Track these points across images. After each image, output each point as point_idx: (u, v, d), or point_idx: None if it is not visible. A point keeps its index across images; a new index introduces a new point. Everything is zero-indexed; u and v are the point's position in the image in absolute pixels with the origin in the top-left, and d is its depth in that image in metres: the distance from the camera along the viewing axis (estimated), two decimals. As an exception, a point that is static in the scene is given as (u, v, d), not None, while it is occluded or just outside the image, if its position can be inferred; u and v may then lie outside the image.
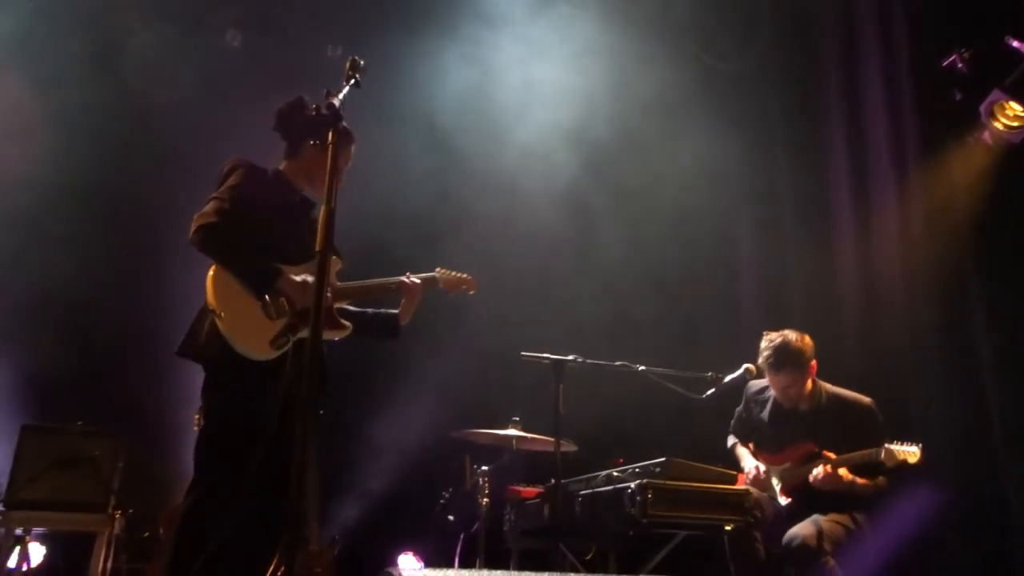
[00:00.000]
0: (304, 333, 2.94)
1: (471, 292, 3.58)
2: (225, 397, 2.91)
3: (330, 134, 2.30)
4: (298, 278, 2.97)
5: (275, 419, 2.90)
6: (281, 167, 3.23)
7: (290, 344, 2.92)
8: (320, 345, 2.15)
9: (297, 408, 2.15)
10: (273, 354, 2.87)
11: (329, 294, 3.05)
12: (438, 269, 3.51)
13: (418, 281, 3.37)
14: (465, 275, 3.57)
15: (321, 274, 2.13)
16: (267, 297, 2.91)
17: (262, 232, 2.99)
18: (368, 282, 3.29)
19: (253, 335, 2.87)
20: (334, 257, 3.13)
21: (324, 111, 2.32)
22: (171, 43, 5.87)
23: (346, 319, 3.20)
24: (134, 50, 5.81)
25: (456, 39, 6.12)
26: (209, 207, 2.94)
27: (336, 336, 3.11)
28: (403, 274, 3.40)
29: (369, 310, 3.42)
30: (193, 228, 2.91)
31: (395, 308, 3.44)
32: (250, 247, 2.96)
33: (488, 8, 6.14)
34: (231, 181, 3.01)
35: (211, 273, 2.93)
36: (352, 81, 2.48)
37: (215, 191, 3.01)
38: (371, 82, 2.57)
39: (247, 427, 2.85)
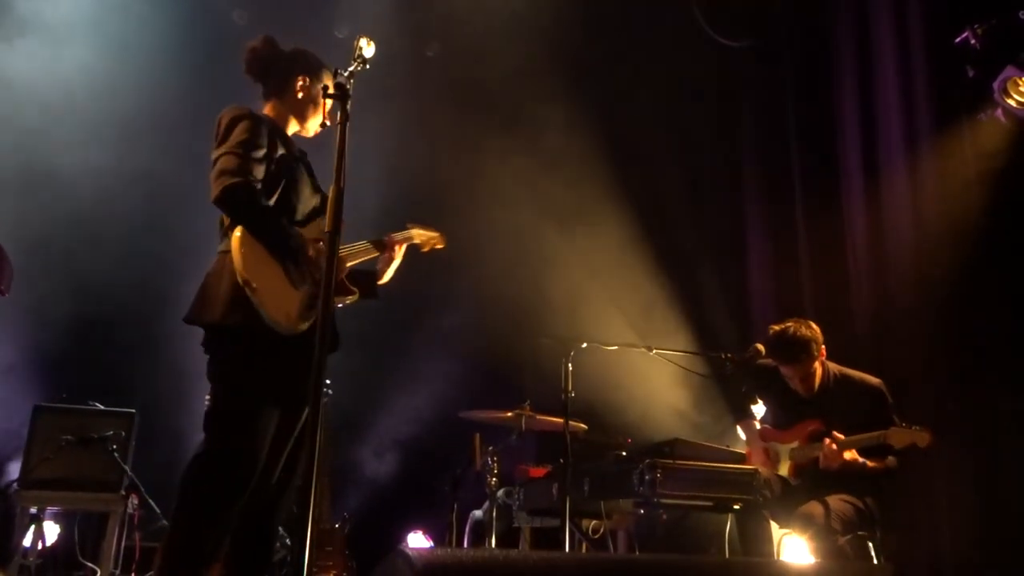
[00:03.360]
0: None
1: (440, 247, 3.39)
2: (246, 362, 2.67)
3: (339, 114, 2.28)
4: (320, 244, 2.77)
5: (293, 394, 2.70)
6: (269, 112, 2.99)
7: (314, 314, 2.71)
8: (330, 318, 2.08)
9: (309, 383, 2.04)
10: (303, 326, 2.68)
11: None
12: (409, 224, 3.28)
13: (399, 239, 3.16)
14: (434, 231, 3.35)
15: (331, 254, 2.12)
16: (287, 263, 2.72)
17: (274, 191, 2.79)
18: (362, 243, 3.09)
19: (284, 307, 2.67)
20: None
21: (333, 90, 2.29)
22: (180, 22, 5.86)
23: None
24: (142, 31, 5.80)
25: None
26: (228, 163, 2.67)
27: (347, 302, 2.95)
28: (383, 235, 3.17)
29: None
30: (218, 189, 2.65)
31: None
32: (276, 208, 2.77)
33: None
34: (240, 135, 2.73)
35: (237, 237, 2.64)
36: (360, 60, 2.46)
37: (219, 145, 2.75)
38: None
39: (266, 397, 2.68)
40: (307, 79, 2.99)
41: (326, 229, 2.17)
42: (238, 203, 2.68)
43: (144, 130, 5.74)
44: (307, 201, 2.91)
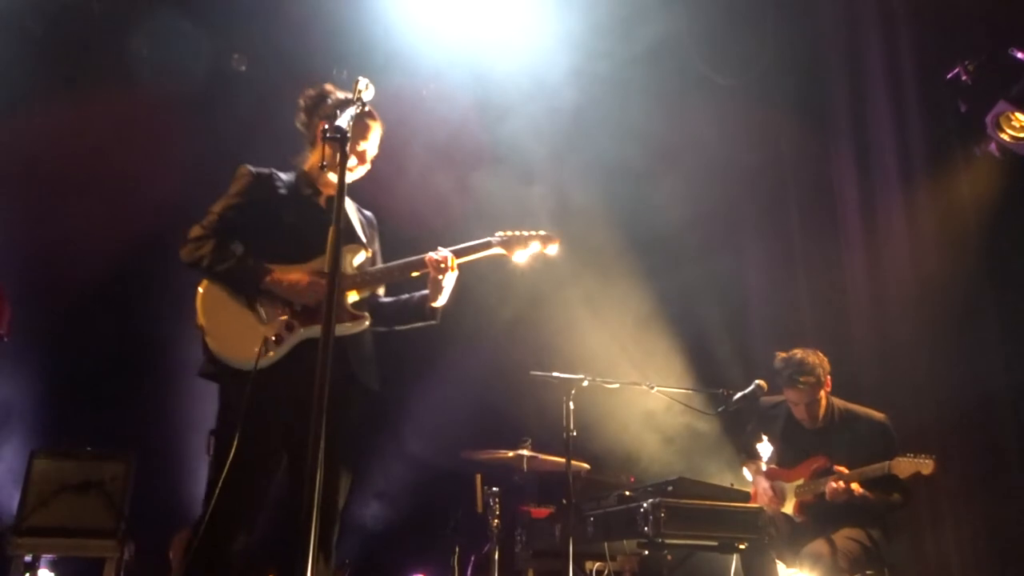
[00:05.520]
0: (310, 333, 2.78)
1: (550, 248, 3.04)
2: (227, 416, 2.76)
3: (338, 156, 2.28)
4: (293, 275, 2.82)
5: (291, 434, 2.74)
6: (305, 166, 3.08)
7: (287, 347, 2.77)
8: (329, 351, 2.02)
9: (312, 418, 2.00)
10: (266, 360, 2.72)
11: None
12: (499, 232, 3.00)
13: (447, 254, 2.92)
14: (535, 231, 3.01)
15: (330, 295, 2.10)
16: (256, 301, 2.81)
17: (265, 235, 2.90)
18: (390, 265, 3.01)
19: (242, 344, 2.74)
20: (356, 245, 2.97)
21: (331, 133, 2.28)
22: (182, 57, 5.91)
23: (378, 310, 3.04)
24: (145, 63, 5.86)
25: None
26: (200, 222, 2.91)
27: (353, 330, 2.88)
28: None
29: (403, 296, 3.12)
30: (181, 244, 2.88)
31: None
32: (234, 252, 2.86)
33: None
34: (229, 191, 2.98)
35: (200, 291, 2.84)
36: (359, 101, 2.48)
37: None
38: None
39: (254, 448, 2.67)
40: (325, 123, 2.90)
41: (325, 269, 2.16)
42: (190, 253, 2.86)
43: (154, 170, 5.75)
44: (314, 237, 2.79)
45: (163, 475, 5.36)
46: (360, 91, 2.50)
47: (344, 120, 2.32)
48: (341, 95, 3.03)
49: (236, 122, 5.75)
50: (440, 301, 2.97)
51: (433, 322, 3.07)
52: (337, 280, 2.14)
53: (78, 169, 5.62)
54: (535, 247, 3.02)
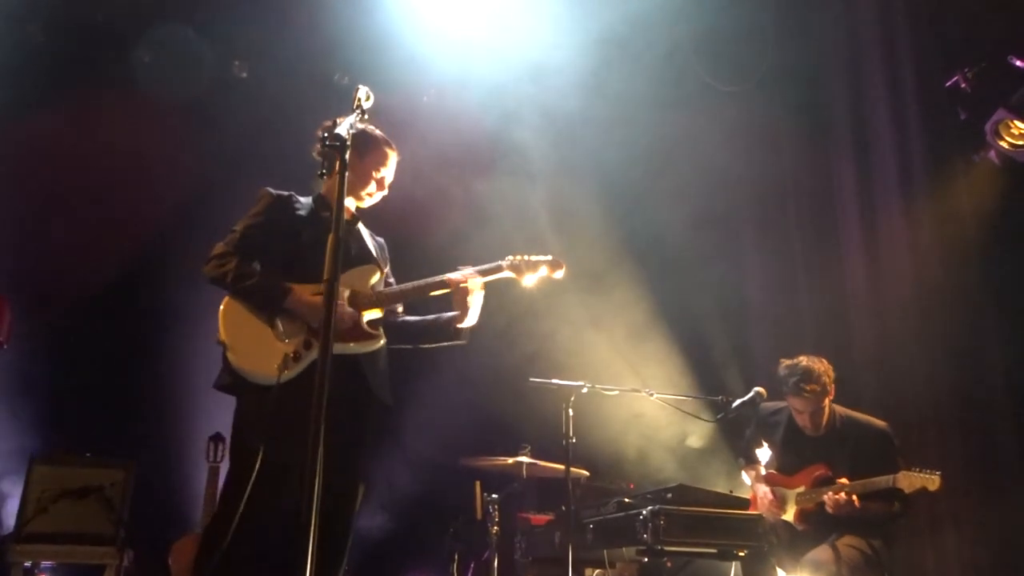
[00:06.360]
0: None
1: (556, 274, 3.14)
2: (243, 427, 2.83)
3: (337, 163, 2.28)
4: (311, 297, 2.89)
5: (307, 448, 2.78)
6: (323, 190, 3.18)
7: (304, 363, 2.84)
8: (327, 366, 2.04)
9: (310, 430, 2.03)
10: (287, 374, 2.80)
11: (345, 305, 2.95)
12: (509, 257, 3.13)
13: (469, 275, 3.04)
14: (543, 257, 3.13)
15: (329, 301, 2.10)
16: (276, 318, 2.89)
17: (283, 254, 2.98)
18: (409, 285, 3.11)
19: (263, 360, 2.82)
20: (371, 266, 3.07)
21: (330, 141, 2.28)
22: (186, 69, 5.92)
23: (403, 328, 3.13)
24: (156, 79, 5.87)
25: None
26: (224, 239, 2.99)
27: (366, 348, 2.96)
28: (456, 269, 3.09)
29: (429, 316, 3.20)
30: (205, 262, 2.96)
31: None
32: (256, 269, 2.95)
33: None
34: (250, 211, 3.07)
35: (222, 307, 2.93)
36: (359, 110, 2.48)
37: None
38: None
39: (272, 461, 2.69)
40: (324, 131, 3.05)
41: (324, 277, 2.16)
42: (213, 270, 2.94)
43: (156, 183, 5.75)
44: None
45: (163, 481, 5.35)
46: (360, 99, 2.50)
47: (343, 128, 2.31)
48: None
49: (237, 128, 5.77)
50: (468, 322, 3.07)
51: (461, 342, 3.16)
52: (336, 286, 2.15)
53: (79, 175, 5.63)
54: (543, 272, 3.15)
